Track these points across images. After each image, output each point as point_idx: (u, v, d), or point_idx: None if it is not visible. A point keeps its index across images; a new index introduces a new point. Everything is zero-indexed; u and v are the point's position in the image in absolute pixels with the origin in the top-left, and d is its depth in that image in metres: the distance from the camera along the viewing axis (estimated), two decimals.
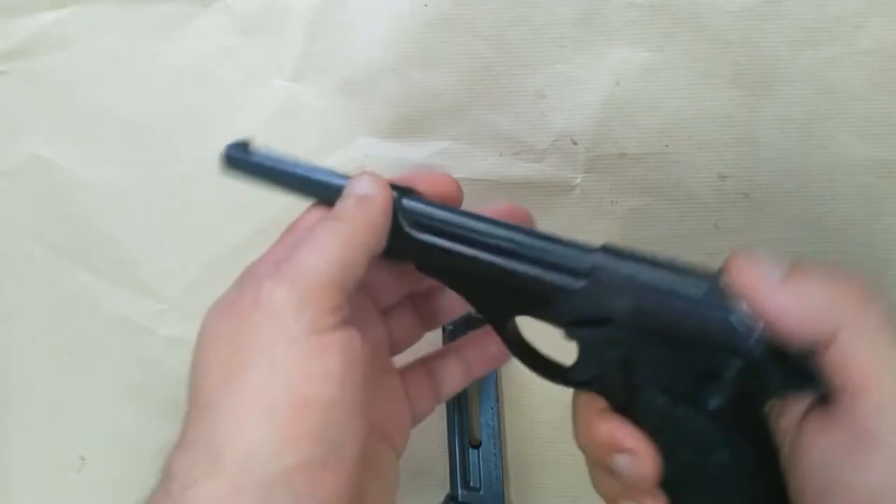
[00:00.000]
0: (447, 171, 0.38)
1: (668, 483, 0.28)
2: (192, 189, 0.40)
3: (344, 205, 0.29)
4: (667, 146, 0.37)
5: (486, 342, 0.34)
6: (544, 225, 0.30)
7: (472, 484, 0.40)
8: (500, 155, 0.38)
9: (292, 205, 0.39)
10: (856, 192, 0.37)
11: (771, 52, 0.35)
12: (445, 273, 0.30)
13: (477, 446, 0.40)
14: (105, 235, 0.41)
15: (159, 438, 0.43)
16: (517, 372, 0.40)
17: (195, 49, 0.38)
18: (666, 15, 0.35)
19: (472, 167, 0.38)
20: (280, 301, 0.26)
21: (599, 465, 0.29)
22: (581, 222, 0.38)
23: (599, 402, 0.29)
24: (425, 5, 0.36)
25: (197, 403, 0.26)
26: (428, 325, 0.34)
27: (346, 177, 0.30)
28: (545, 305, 0.28)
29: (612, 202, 0.38)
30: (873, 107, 0.36)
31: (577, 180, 0.38)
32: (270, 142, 0.39)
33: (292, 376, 0.25)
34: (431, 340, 0.35)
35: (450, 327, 0.39)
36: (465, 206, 0.38)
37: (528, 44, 0.36)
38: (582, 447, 0.29)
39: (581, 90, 0.36)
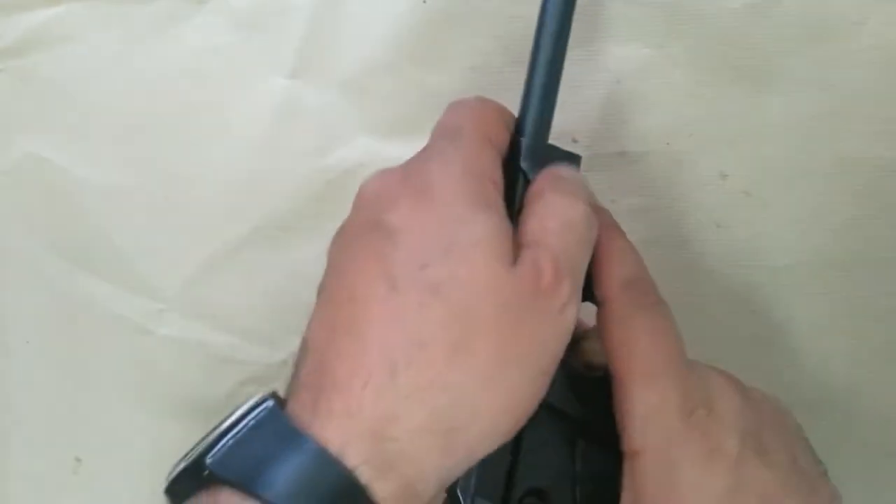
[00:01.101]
0: None
1: None
2: (190, 188, 0.40)
3: None
4: (667, 144, 0.37)
5: None
6: None
7: None
8: None
9: (291, 204, 0.39)
10: (858, 190, 0.37)
11: (772, 50, 0.35)
12: None
13: None
14: (102, 235, 0.41)
15: (156, 439, 0.43)
16: None
17: (192, 46, 0.38)
18: (667, 12, 0.35)
19: None
20: (569, 319, 0.26)
21: None
22: None
23: None
24: (424, 2, 0.36)
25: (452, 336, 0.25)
26: None
27: None
28: None
29: (612, 200, 0.38)
30: (876, 104, 0.36)
31: None
32: (269, 140, 0.39)
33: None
34: None
35: None
36: None
37: (529, 41, 0.36)
38: None
39: (581, 88, 0.36)
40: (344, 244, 0.28)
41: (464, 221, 0.26)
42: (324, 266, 0.39)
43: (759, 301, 0.39)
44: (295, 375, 0.27)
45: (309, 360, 0.26)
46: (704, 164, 0.37)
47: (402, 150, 0.38)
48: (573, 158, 0.32)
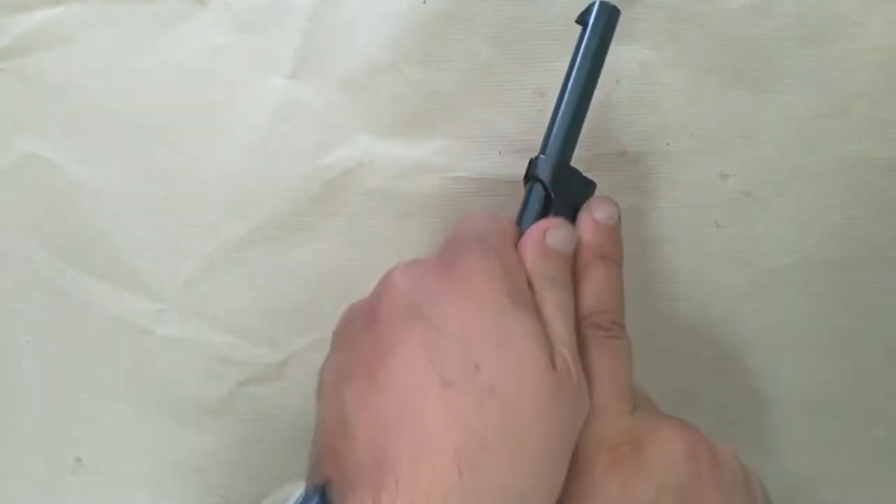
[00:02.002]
0: (447, 169, 0.38)
1: None
2: (189, 188, 0.40)
3: None
4: (667, 144, 0.37)
5: None
6: None
7: None
8: (500, 153, 0.37)
9: (290, 204, 0.39)
10: (859, 190, 0.37)
11: (772, 50, 0.35)
12: None
13: None
14: (101, 234, 0.41)
15: (156, 439, 0.43)
16: None
17: (192, 47, 0.38)
18: (667, 13, 0.35)
19: (472, 166, 0.38)
20: (588, 401, 0.28)
21: None
22: None
23: None
24: (424, 2, 0.36)
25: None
26: None
27: None
28: None
29: None
30: (876, 104, 0.35)
31: None
32: (268, 140, 0.39)
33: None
34: None
35: None
36: (463, 207, 0.38)
37: (528, 41, 0.36)
38: None
39: None
40: (379, 331, 0.28)
41: (509, 317, 0.26)
42: (324, 265, 0.40)
43: (759, 301, 0.39)
44: (331, 459, 0.26)
45: (360, 450, 0.25)
46: (704, 164, 0.37)
47: (401, 150, 0.38)
48: (589, 185, 0.33)
